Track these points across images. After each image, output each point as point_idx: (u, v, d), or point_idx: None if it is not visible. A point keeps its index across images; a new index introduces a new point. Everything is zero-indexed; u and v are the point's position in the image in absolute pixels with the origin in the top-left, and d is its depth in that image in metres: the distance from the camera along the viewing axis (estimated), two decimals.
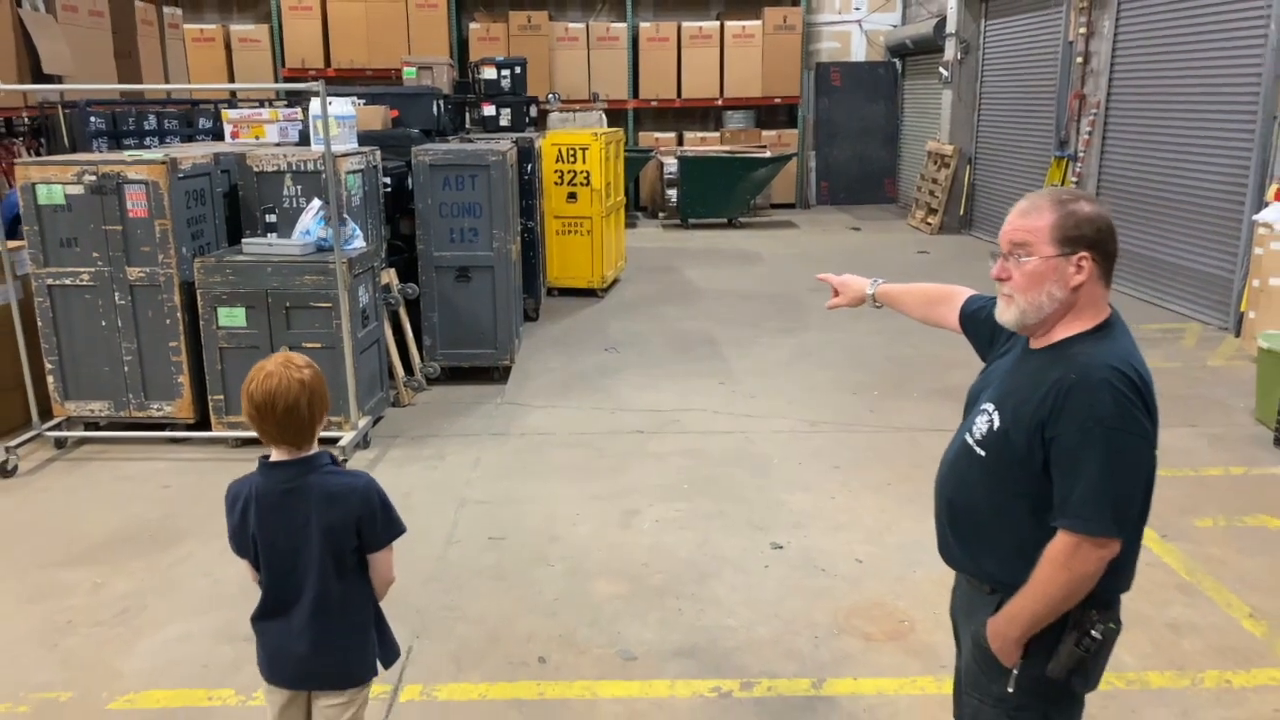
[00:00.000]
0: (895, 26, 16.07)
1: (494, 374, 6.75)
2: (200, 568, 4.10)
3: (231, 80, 15.43)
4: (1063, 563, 1.83)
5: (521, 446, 5.49)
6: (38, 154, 9.66)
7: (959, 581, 2.17)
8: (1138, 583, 3.81)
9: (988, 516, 2.00)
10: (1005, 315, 2.00)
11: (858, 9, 16.29)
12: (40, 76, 8.72)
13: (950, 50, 13.29)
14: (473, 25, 15.57)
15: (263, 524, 2.24)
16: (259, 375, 2.20)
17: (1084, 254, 1.90)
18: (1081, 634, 1.89)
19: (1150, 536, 4.31)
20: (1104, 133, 9.88)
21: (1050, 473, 1.86)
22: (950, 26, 13.28)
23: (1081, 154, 10.21)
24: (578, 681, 3.29)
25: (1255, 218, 7.16)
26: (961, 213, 13.40)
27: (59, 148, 7.35)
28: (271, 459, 2.27)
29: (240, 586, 3.94)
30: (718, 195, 13.76)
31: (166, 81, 11.40)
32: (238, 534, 2.29)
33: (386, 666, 2.40)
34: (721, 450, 5.40)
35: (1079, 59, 10.24)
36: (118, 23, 10.71)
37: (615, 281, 10.02)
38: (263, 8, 15.94)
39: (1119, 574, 1.92)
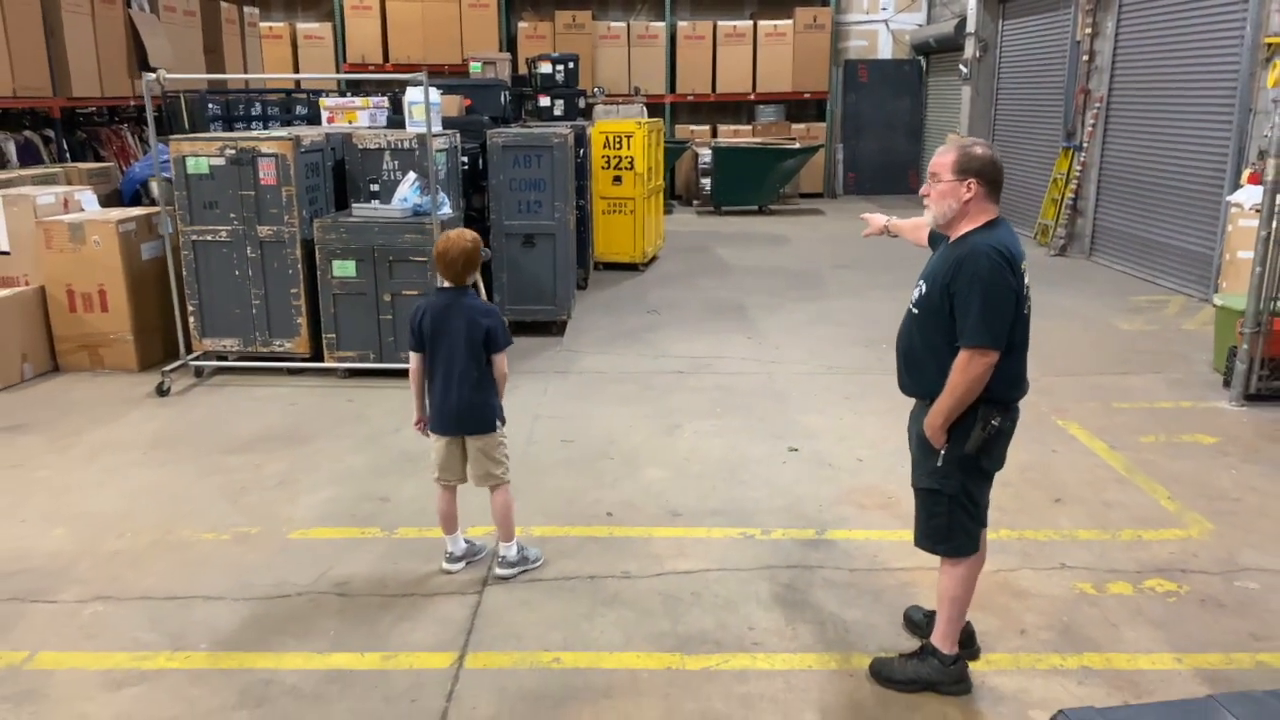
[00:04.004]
0: (920, 26, 16.95)
1: (552, 328, 7.80)
2: (332, 457, 5.18)
3: (296, 73, 16.62)
4: (961, 368, 2.87)
5: (580, 381, 6.53)
6: (141, 139, 10.88)
7: (914, 406, 3.18)
8: (1082, 476, 4.83)
9: (922, 352, 3.05)
10: (926, 217, 3.10)
11: (884, 9, 17.18)
12: (145, 69, 9.90)
13: (970, 49, 14.16)
14: (521, 24, 16.64)
15: (433, 323, 3.69)
16: (445, 237, 3.71)
17: (971, 179, 2.93)
18: (985, 423, 2.93)
19: (1099, 447, 5.28)
20: (1105, 125, 10.75)
21: (954, 315, 2.90)
22: (970, 26, 14.14)
23: (1086, 145, 11.08)
24: (637, 528, 4.32)
25: (1228, 198, 8.04)
26: None
27: (180, 130, 8.46)
28: (442, 286, 3.76)
29: (366, 468, 5.02)
30: (749, 184, 14.73)
31: (245, 73, 12.59)
32: (416, 333, 3.75)
33: (503, 424, 3.83)
34: (749, 385, 6.41)
35: (1085, 57, 11.10)
36: (206, 21, 11.92)
37: (654, 258, 11.05)
38: (325, 6, 17.11)
39: (1011, 383, 2.98)
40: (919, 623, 3.48)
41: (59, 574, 3.93)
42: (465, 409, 3.72)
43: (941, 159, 2.99)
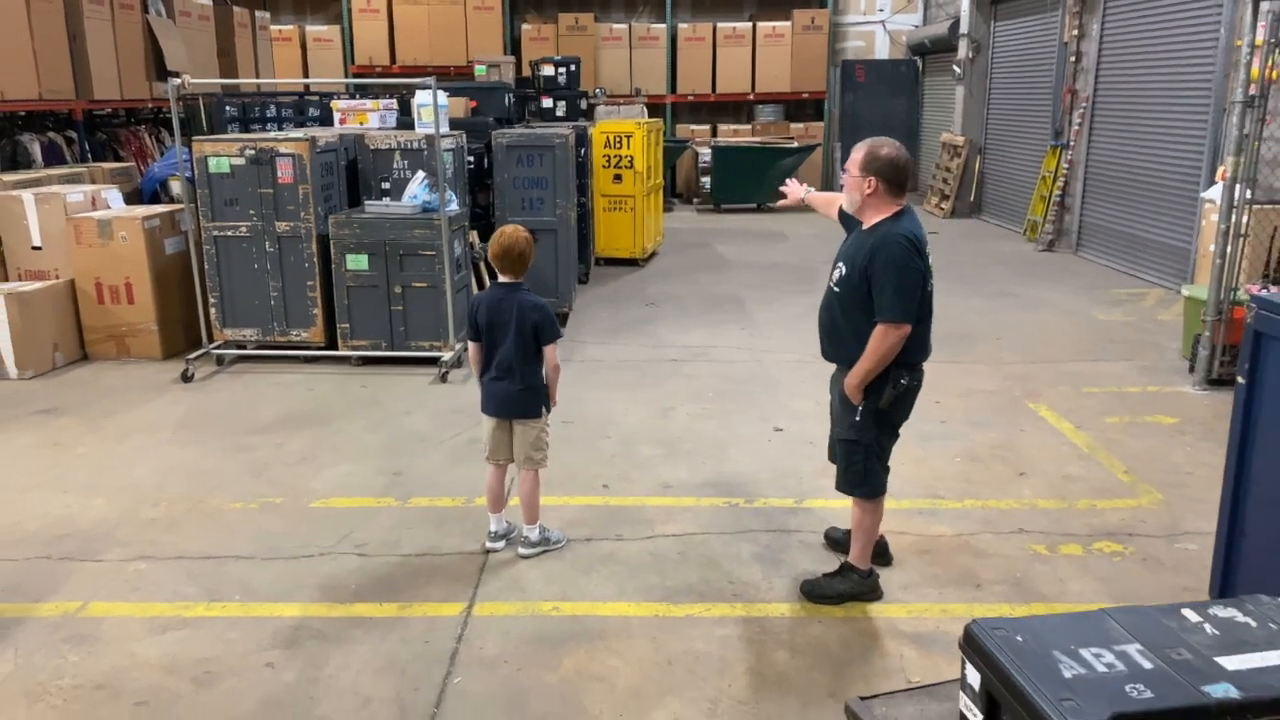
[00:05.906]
0: (916, 27, 17.29)
1: None
2: (351, 437, 5.55)
3: (305, 75, 17.02)
4: (879, 338, 3.32)
5: (582, 368, 6.89)
6: (159, 140, 11.28)
7: (834, 371, 3.61)
8: (1047, 452, 5.19)
9: (842, 325, 3.49)
10: (843, 201, 3.54)
11: (881, 10, 17.54)
12: (163, 72, 10.30)
13: (963, 49, 14.50)
14: (525, 26, 17.02)
15: (488, 315, 3.93)
16: (502, 233, 3.91)
17: (871, 177, 3.36)
18: (895, 382, 3.40)
19: (1066, 427, 5.63)
20: (1091, 124, 11.09)
21: (871, 294, 3.32)
22: (963, 28, 14.48)
23: (1073, 143, 11.41)
24: (631, 498, 4.69)
25: (1203, 194, 8.37)
26: (972, 199, 14.62)
27: (199, 131, 8.84)
28: (500, 281, 3.95)
29: (380, 446, 5.40)
30: (748, 182, 15.09)
31: (256, 76, 12.98)
32: (472, 324, 3.99)
33: (548, 411, 4.08)
34: (741, 373, 6.77)
35: (1072, 58, 11.45)
36: (220, 25, 12.33)
37: (654, 254, 11.41)
38: (334, 9, 17.51)
39: (918, 348, 3.44)
40: (839, 540, 4.00)
41: (103, 538, 4.31)
42: (514, 395, 3.96)
43: (854, 154, 3.43)
